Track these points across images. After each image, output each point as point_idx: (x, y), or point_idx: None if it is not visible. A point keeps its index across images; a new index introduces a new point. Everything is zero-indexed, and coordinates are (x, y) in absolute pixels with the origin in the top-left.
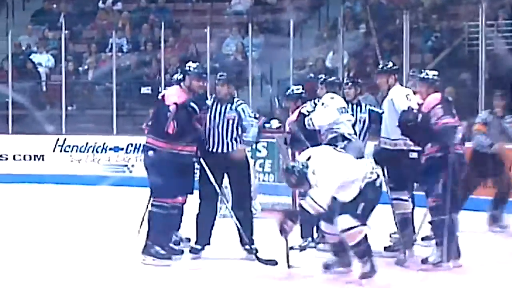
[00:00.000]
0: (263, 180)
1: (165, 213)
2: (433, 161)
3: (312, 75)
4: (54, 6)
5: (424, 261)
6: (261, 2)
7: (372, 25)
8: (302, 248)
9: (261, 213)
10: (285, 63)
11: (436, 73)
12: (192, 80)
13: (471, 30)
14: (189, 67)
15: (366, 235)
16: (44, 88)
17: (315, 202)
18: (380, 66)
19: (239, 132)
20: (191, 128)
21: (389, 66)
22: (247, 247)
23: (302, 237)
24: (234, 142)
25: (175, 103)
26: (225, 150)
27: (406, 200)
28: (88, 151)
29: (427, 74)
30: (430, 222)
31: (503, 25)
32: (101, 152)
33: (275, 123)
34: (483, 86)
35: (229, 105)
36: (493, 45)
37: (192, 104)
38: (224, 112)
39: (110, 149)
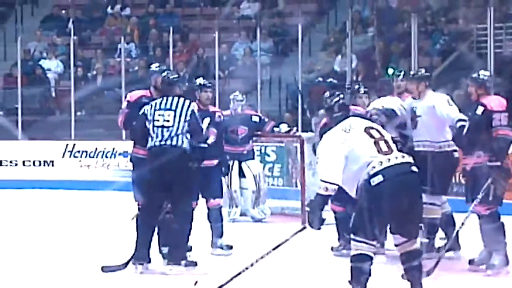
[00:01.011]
0: (272, 185)
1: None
2: (485, 169)
3: (320, 79)
4: (63, 12)
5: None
6: (269, 6)
7: (376, 29)
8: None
9: (271, 217)
10: (293, 67)
11: (488, 73)
12: (156, 79)
13: (480, 33)
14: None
15: None
16: (53, 94)
17: (323, 181)
18: (412, 72)
19: None
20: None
21: (421, 72)
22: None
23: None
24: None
25: (128, 100)
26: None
27: (439, 206)
28: (97, 157)
29: (479, 75)
30: (481, 229)
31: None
32: (111, 157)
33: (284, 127)
34: (492, 90)
35: None
36: (502, 48)
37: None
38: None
39: (120, 154)
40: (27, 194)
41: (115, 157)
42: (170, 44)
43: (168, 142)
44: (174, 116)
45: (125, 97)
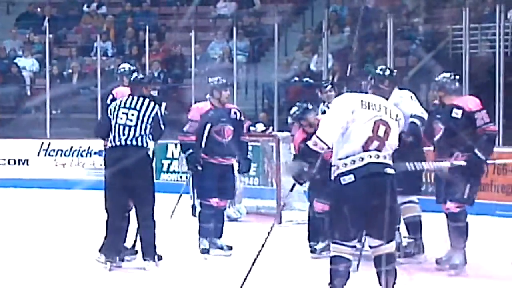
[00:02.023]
0: (248, 184)
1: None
2: (462, 169)
3: (296, 78)
4: (39, 9)
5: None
6: (245, 5)
7: (352, 28)
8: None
9: (246, 217)
10: (269, 66)
11: (448, 75)
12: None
13: (455, 33)
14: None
15: None
16: (29, 92)
17: (317, 137)
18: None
19: None
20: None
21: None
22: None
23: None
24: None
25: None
26: None
27: (417, 203)
28: (72, 155)
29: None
30: (450, 227)
31: (486, 28)
32: (86, 156)
33: (260, 127)
34: (467, 90)
35: None
36: (477, 49)
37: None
38: None
39: (95, 153)
40: (2, 192)
41: (90, 155)
42: (146, 43)
43: (129, 142)
44: (138, 116)
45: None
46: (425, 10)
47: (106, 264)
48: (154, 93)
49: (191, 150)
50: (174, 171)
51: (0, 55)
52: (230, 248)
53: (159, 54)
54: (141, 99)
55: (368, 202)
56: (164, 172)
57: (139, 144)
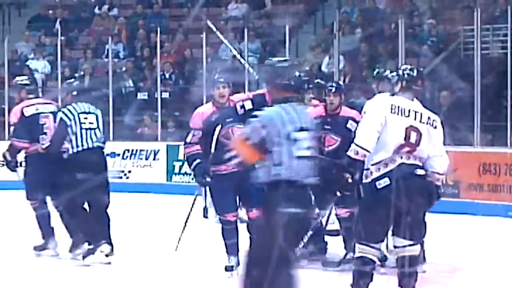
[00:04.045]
0: None
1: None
2: None
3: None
4: (50, 12)
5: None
6: (257, 7)
7: (363, 30)
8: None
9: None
10: None
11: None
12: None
13: (467, 34)
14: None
15: None
16: (41, 94)
17: (357, 145)
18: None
19: None
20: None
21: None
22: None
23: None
24: None
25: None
26: None
27: None
28: None
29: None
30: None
31: (498, 29)
32: None
33: None
34: (479, 91)
35: None
36: (489, 49)
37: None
38: None
39: (107, 155)
40: (14, 195)
41: None
42: (158, 44)
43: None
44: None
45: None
46: (436, 11)
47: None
48: (166, 94)
49: (198, 161)
50: (185, 173)
51: (12, 58)
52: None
53: (171, 55)
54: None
55: (400, 203)
56: (175, 174)
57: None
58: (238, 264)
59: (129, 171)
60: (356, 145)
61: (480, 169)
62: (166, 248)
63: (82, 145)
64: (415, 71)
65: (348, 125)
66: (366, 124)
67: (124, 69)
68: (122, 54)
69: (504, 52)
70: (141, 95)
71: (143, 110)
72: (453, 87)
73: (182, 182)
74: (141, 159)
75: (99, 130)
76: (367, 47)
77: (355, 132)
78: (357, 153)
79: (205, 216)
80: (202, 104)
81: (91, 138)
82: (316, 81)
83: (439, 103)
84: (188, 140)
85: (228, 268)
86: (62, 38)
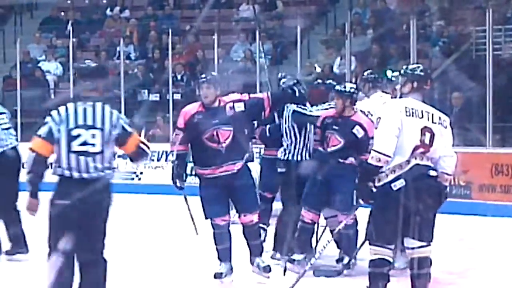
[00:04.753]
0: None
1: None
2: None
3: (319, 81)
4: (62, 14)
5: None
6: (268, 8)
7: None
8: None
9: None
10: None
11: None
12: None
13: (478, 35)
14: None
15: None
16: (53, 96)
17: (378, 152)
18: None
19: None
20: None
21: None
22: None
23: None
24: None
25: None
26: None
27: None
28: None
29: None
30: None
31: (510, 30)
32: None
33: None
34: (491, 92)
35: None
36: (501, 50)
37: None
38: None
39: (119, 156)
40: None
41: (114, 158)
42: (169, 46)
43: None
44: None
45: None
46: (448, 12)
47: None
48: (178, 96)
49: (176, 162)
50: None
51: (24, 59)
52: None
53: (182, 57)
54: None
55: (414, 204)
56: (188, 175)
57: None
58: (231, 271)
59: (141, 173)
60: (378, 152)
61: (492, 170)
62: (177, 249)
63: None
64: (424, 71)
65: (354, 130)
66: (384, 130)
67: (135, 70)
68: (134, 55)
69: None
70: (153, 97)
71: (155, 111)
72: (465, 88)
73: (195, 183)
74: (153, 160)
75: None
76: (378, 48)
77: (361, 138)
78: (379, 160)
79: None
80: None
81: (9, 137)
82: (327, 81)
83: (451, 104)
84: (171, 138)
85: (217, 275)
86: (74, 39)
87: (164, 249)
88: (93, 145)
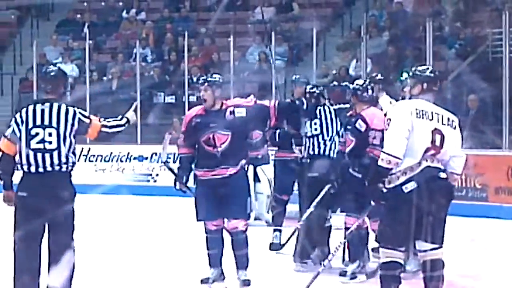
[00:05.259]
0: None
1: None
2: None
3: (335, 83)
4: (78, 16)
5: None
6: (284, 10)
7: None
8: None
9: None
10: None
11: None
12: None
13: (495, 37)
14: None
15: None
16: (69, 98)
17: (388, 154)
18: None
19: None
20: None
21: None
22: None
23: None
24: None
25: None
26: None
27: None
28: (112, 161)
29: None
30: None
31: None
32: (126, 161)
33: None
34: (507, 94)
35: None
36: None
37: None
38: None
39: (135, 158)
40: None
41: (130, 161)
42: (185, 48)
43: None
44: None
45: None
46: (464, 14)
47: None
48: (193, 98)
49: (178, 165)
50: None
51: (41, 62)
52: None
53: (198, 59)
54: None
55: (425, 206)
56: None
57: None
58: (222, 277)
59: (157, 175)
60: (388, 154)
61: (508, 173)
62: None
63: None
64: (433, 72)
65: (357, 125)
66: (394, 132)
67: (151, 72)
68: (150, 58)
69: None
70: (169, 99)
71: (171, 113)
72: (481, 91)
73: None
74: (169, 162)
75: None
76: (394, 50)
77: (364, 132)
78: (390, 162)
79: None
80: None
81: None
82: (343, 84)
83: (467, 106)
84: (178, 141)
85: (204, 280)
86: (90, 42)
87: (175, 251)
88: (49, 142)
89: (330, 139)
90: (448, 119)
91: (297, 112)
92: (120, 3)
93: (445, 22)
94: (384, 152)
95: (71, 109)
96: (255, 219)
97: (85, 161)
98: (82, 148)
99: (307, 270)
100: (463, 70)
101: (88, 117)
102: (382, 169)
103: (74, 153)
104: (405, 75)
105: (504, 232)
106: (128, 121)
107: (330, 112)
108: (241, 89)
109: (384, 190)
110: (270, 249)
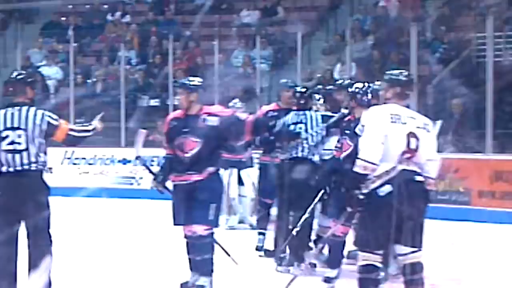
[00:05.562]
0: None
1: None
2: None
3: (320, 86)
4: (63, 19)
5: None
6: (269, 14)
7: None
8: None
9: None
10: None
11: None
12: None
13: (479, 41)
14: None
15: None
16: (53, 101)
17: (364, 160)
18: (340, 82)
19: None
20: None
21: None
22: None
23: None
24: None
25: None
26: None
27: None
28: (96, 164)
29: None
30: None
31: (510, 36)
32: (109, 164)
33: None
34: (491, 98)
35: None
36: (502, 57)
37: None
38: None
39: (119, 161)
40: None
41: (114, 164)
42: (170, 51)
43: None
44: None
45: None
46: (448, 19)
47: None
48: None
49: (161, 165)
50: None
51: (25, 64)
52: None
53: (183, 62)
54: None
55: (402, 210)
56: None
57: None
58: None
59: (141, 178)
60: (364, 160)
61: (492, 177)
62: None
63: None
64: (407, 76)
65: (356, 129)
66: (369, 138)
67: (136, 75)
68: (134, 61)
69: None
70: (153, 102)
71: (155, 116)
72: (465, 95)
73: None
74: (153, 165)
75: None
76: (378, 54)
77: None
78: (365, 168)
79: None
80: None
81: None
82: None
83: (451, 111)
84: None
85: (183, 285)
86: (75, 44)
87: (157, 254)
88: (19, 143)
89: (315, 145)
90: (423, 122)
91: (272, 134)
92: (105, 6)
93: (430, 26)
94: (359, 159)
95: (39, 112)
96: (239, 222)
97: (68, 164)
98: (66, 151)
99: (287, 271)
100: (447, 74)
101: (56, 120)
102: (358, 175)
103: (45, 153)
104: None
105: (486, 235)
106: (94, 128)
107: (316, 118)
108: (226, 93)
109: (361, 197)
110: (256, 249)
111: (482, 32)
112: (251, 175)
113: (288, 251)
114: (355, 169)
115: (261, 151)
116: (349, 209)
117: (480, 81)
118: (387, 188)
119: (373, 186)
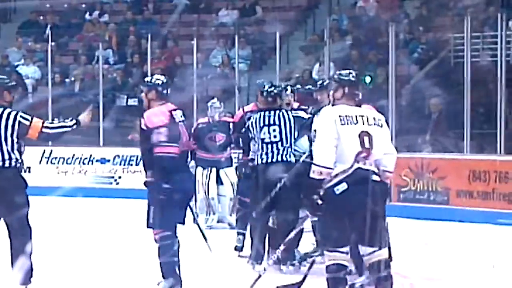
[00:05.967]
0: None
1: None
2: None
3: (298, 86)
4: (41, 18)
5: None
6: (247, 14)
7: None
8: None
9: None
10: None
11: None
12: None
13: (457, 42)
14: None
15: None
16: (31, 100)
17: (318, 165)
18: (320, 82)
19: None
20: None
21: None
22: None
23: None
24: None
25: None
26: None
27: None
28: (74, 163)
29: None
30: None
31: (488, 37)
32: (88, 164)
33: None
34: (469, 99)
35: None
36: (479, 57)
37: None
38: None
39: (97, 160)
40: None
41: (92, 163)
42: (149, 51)
43: None
44: None
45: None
46: (426, 19)
47: None
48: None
49: None
50: None
51: (2, 63)
52: None
53: (161, 62)
54: None
55: (359, 208)
56: None
57: None
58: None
59: (119, 177)
60: (318, 165)
61: (470, 176)
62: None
63: None
64: (355, 76)
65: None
66: (321, 142)
67: (114, 75)
68: (112, 60)
69: (494, 59)
70: (131, 101)
71: (134, 116)
72: (443, 95)
73: None
74: (132, 164)
75: None
76: (357, 54)
77: None
78: (321, 173)
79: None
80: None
81: None
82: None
83: (429, 110)
84: None
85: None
86: (53, 43)
87: (136, 254)
88: None
89: (289, 146)
90: (374, 118)
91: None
92: (83, 5)
93: (408, 26)
94: (314, 164)
95: (12, 113)
96: (218, 221)
97: (47, 163)
98: (44, 150)
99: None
100: (425, 74)
101: (28, 119)
102: (314, 181)
103: (19, 151)
104: (368, 79)
105: (464, 235)
106: (77, 122)
107: (289, 119)
108: (204, 92)
109: (320, 202)
110: (235, 249)
111: (460, 32)
112: (230, 174)
113: (267, 250)
114: (312, 175)
115: (240, 151)
116: (310, 215)
117: (457, 81)
118: (343, 186)
119: (329, 184)
